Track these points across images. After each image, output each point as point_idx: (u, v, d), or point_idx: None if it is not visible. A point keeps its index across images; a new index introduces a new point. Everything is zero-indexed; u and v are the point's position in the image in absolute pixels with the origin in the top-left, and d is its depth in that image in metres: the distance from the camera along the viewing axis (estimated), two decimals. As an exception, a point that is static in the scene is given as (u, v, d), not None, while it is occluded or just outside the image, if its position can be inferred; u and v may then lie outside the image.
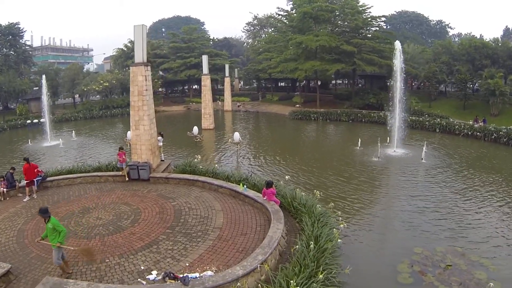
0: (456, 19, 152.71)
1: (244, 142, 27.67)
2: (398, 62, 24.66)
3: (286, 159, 22.10)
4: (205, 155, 23.12)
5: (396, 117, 24.94)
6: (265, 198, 12.04)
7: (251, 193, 12.80)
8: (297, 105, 47.93)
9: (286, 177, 13.38)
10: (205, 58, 34.48)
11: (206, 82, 34.50)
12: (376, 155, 22.58)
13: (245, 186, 13.01)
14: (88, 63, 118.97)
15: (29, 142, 31.48)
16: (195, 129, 24.94)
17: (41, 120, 38.48)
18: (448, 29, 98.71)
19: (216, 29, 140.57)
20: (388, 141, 26.54)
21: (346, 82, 76.96)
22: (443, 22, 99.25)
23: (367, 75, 55.11)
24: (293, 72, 41.85)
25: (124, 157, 16.25)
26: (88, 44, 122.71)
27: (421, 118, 35.44)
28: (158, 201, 13.57)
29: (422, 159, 21.60)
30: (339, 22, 44.93)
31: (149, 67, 16.29)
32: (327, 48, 41.35)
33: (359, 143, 25.38)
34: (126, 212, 12.64)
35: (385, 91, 49.78)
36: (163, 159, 18.27)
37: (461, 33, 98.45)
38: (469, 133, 29.32)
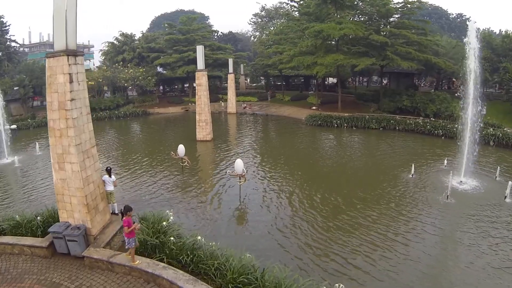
0: (472, 13, 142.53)
1: (251, 165, 20.46)
2: (473, 50, 17.01)
3: (315, 202, 14.69)
4: (191, 193, 15.90)
5: (468, 133, 17.52)
6: None
7: None
8: (314, 107, 40.52)
9: (339, 288, 6.30)
10: (200, 49, 26.97)
11: (201, 80, 26.96)
12: (443, 191, 15.47)
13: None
14: (90, 60, 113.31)
15: (-16, 157, 24.84)
16: (181, 149, 17.55)
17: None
18: (469, 23, 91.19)
19: (222, 26, 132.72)
20: (445, 164, 19.47)
21: (365, 80, 69.38)
22: (464, 15, 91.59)
23: (392, 72, 47.55)
24: (310, 67, 34.32)
25: (133, 226, 8.58)
26: (88, 41, 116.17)
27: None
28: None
29: (505, 197, 14.59)
30: (365, 7, 37.24)
31: (79, 59, 9.18)
32: (352, 38, 33.98)
33: (412, 169, 18.06)
34: None
35: (414, 90, 42.61)
36: (116, 211, 11.20)
37: (479, 28, 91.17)
38: (532, 147, 22.64)
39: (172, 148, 22.09)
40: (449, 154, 22.44)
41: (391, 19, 36.30)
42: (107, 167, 11.10)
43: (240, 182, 14.00)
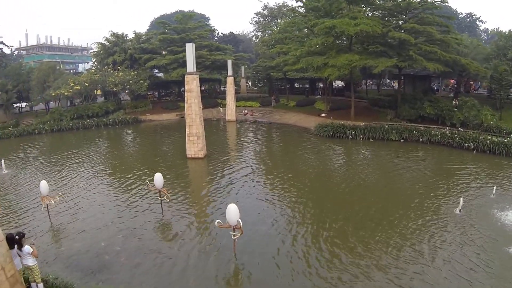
0: (482, 13, 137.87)
1: (249, 197, 16.23)
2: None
3: (331, 263, 10.51)
4: (167, 247, 11.59)
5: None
6: None
7: None
8: (323, 114, 36.32)
9: None
10: (189, 48, 22.80)
11: (192, 84, 22.75)
12: (501, 236, 11.66)
13: None
14: (87, 63, 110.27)
15: None
16: (158, 179, 13.12)
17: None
18: (479, 23, 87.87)
19: (223, 29, 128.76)
20: (494, 192, 15.58)
21: (371, 83, 65.02)
22: (474, 15, 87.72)
23: (407, 74, 43.37)
24: (320, 69, 30.11)
25: None
26: (87, 43, 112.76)
27: (506, 140, 23.82)
28: None
29: None
30: (380, 1, 33.16)
31: None
32: (367, 36, 29.83)
33: (460, 204, 13.90)
34: None
35: (433, 94, 38.47)
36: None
37: (487, 28, 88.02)
38: None
39: (156, 169, 18.00)
40: (488, 173, 19.10)
41: (409, 15, 32.23)
42: (19, 233, 7.04)
43: (234, 235, 9.84)
